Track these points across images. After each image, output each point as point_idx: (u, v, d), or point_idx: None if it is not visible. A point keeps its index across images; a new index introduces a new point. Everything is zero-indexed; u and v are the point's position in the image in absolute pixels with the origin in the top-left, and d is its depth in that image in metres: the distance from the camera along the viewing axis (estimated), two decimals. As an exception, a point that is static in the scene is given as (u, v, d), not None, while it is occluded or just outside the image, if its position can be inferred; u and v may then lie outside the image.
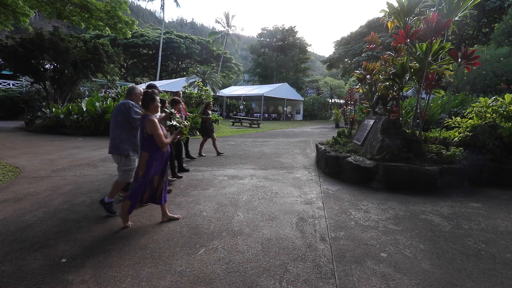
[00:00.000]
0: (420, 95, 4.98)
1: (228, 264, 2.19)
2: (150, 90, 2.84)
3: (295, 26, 37.86)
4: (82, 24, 12.13)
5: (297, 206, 3.51)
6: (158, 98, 2.85)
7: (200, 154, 6.82)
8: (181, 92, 8.14)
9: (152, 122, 2.68)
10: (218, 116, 20.57)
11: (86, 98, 12.33)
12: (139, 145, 3.13)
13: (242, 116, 24.13)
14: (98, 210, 3.22)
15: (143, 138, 2.78)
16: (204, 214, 3.19)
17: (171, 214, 3.05)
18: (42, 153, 6.55)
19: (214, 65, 39.87)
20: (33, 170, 5.00)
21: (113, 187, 3.21)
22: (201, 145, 7.00)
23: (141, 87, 3.36)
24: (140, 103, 3.09)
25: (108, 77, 16.41)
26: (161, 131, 2.77)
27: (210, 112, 6.88)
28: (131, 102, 3.20)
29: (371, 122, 5.49)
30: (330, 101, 31.46)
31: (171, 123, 2.91)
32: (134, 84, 3.36)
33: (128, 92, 3.30)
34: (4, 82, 19.84)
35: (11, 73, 16.53)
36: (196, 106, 12.92)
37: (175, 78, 34.46)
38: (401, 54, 5.18)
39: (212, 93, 15.75)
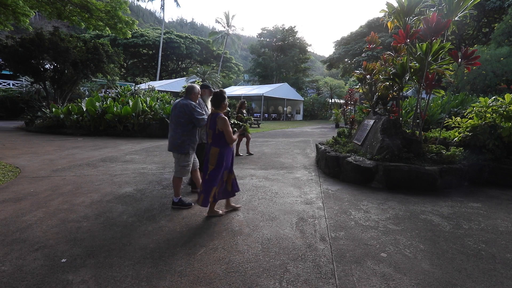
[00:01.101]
0: (420, 95, 4.98)
1: (228, 264, 2.19)
2: (219, 90, 3.11)
3: (295, 26, 37.89)
4: (82, 24, 12.15)
5: (297, 206, 3.51)
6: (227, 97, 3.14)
7: (237, 154, 6.86)
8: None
9: (224, 120, 2.92)
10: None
11: (86, 98, 12.32)
12: (196, 143, 3.43)
13: (242, 116, 24.06)
14: (98, 210, 3.22)
15: (214, 134, 2.98)
16: (204, 214, 3.19)
17: (232, 204, 3.34)
18: (42, 153, 6.55)
19: (214, 65, 39.92)
20: (33, 170, 5.00)
21: (174, 185, 3.42)
22: (237, 145, 7.04)
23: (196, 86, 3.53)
24: (197, 101, 3.40)
25: (108, 77, 16.43)
26: (231, 128, 3.01)
27: (244, 111, 6.87)
28: (192, 102, 3.31)
29: (371, 122, 5.49)
30: (330, 101, 31.47)
31: (237, 122, 3.20)
32: (192, 84, 3.55)
33: (188, 91, 3.39)
34: (4, 82, 19.84)
35: (11, 73, 16.53)
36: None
37: (175, 78, 34.50)
38: (401, 54, 5.18)
39: (212, 93, 15.71)
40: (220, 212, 3.20)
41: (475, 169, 4.52)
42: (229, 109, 3.32)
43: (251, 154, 7.06)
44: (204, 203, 2.96)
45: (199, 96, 3.45)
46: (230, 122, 3.15)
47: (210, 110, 3.52)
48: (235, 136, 3.07)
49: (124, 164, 5.64)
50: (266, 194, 3.93)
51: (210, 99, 3.34)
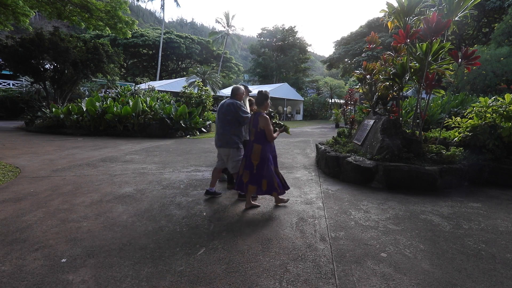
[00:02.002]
0: (420, 95, 4.98)
1: (228, 264, 2.19)
2: (263, 90, 3.37)
3: (295, 26, 37.89)
4: (82, 24, 12.15)
5: (297, 206, 3.51)
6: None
7: None
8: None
9: (266, 119, 3.15)
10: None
11: (86, 98, 12.31)
12: (243, 139, 3.67)
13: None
14: (98, 210, 3.22)
15: (256, 132, 3.22)
16: (204, 214, 3.19)
17: (281, 198, 3.54)
18: (42, 153, 6.55)
19: (214, 65, 39.92)
20: (33, 170, 5.00)
21: (234, 177, 3.60)
22: None
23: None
24: (242, 101, 3.67)
25: (108, 77, 16.42)
26: (271, 127, 3.25)
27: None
28: (238, 102, 3.56)
29: (371, 122, 5.49)
30: (330, 101, 31.45)
31: (278, 121, 3.39)
32: (237, 85, 3.83)
33: (233, 92, 3.65)
34: (4, 82, 19.84)
35: (11, 73, 16.53)
36: (196, 106, 12.92)
37: (175, 78, 34.50)
38: (401, 54, 5.18)
39: (212, 93, 15.73)
40: (285, 198, 3.55)
41: (475, 169, 4.52)
42: (270, 109, 3.62)
43: None
44: (258, 192, 3.29)
45: (243, 96, 3.72)
46: (276, 121, 3.42)
47: (247, 108, 3.80)
48: (275, 135, 3.33)
49: (124, 164, 5.64)
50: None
51: (248, 98, 3.69)
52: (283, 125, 3.46)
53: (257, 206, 3.46)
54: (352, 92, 10.08)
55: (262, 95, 3.29)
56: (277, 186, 3.27)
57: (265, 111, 3.32)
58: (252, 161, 3.22)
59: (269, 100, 3.32)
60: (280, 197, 3.51)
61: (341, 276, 2.05)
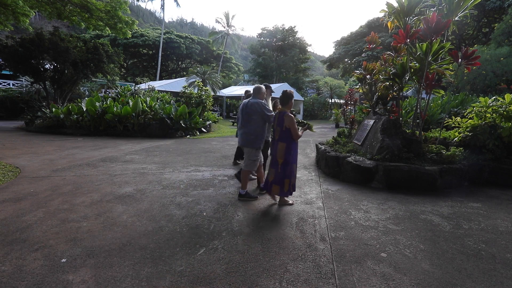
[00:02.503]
0: (420, 95, 4.98)
1: (228, 264, 2.19)
2: (288, 90, 3.44)
3: (295, 26, 37.86)
4: (82, 24, 12.14)
5: (297, 206, 3.51)
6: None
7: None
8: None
9: (291, 118, 3.24)
10: (218, 116, 20.60)
11: (86, 98, 12.31)
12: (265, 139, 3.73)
13: (242, 116, 24.06)
14: (98, 210, 3.22)
15: (281, 131, 3.30)
16: (204, 214, 3.19)
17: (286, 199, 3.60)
18: (42, 153, 6.55)
19: (214, 65, 39.89)
20: (33, 170, 5.00)
21: (242, 178, 3.73)
22: None
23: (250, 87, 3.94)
24: (265, 100, 3.73)
25: (108, 77, 16.40)
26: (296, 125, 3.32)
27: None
28: (261, 101, 3.61)
29: (371, 122, 5.49)
30: (330, 101, 31.45)
31: (301, 120, 3.51)
32: (259, 84, 3.90)
33: (256, 92, 3.71)
34: (4, 82, 19.82)
35: (11, 73, 16.52)
36: (196, 106, 12.92)
37: (175, 78, 34.47)
38: (401, 54, 5.18)
39: (212, 93, 15.73)
40: (290, 202, 3.56)
41: (475, 169, 4.52)
42: (293, 109, 3.75)
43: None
44: (281, 193, 3.37)
45: (265, 95, 3.82)
46: (300, 120, 3.54)
47: (270, 107, 3.89)
48: (300, 133, 3.42)
49: (124, 164, 5.64)
50: (266, 194, 3.93)
51: (270, 98, 3.79)
52: (306, 123, 3.55)
53: (291, 204, 3.53)
54: (352, 92, 10.08)
55: (287, 95, 3.38)
56: (292, 186, 3.39)
57: (289, 110, 3.40)
58: (277, 159, 3.33)
59: (293, 100, 3.42)
60: (286, 198, 3.56)
61: (341, 276, 2.05)
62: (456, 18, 4.60)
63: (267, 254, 2.34)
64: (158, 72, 33.13)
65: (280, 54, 38.02)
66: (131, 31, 15.13)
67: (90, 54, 13.28)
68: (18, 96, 16.95)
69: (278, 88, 25.30)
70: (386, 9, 4.97)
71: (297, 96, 28.08)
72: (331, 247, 2.48)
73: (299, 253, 2.37)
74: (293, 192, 3.88)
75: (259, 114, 3.53)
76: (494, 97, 5.10)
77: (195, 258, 2.26)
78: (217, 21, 37.55)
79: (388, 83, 5.45)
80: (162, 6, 34.23)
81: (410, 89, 9.96)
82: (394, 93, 5.60)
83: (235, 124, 19.10)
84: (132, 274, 2.04)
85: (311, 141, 9.87)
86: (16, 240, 2.51)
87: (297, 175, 5.00)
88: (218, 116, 20.83)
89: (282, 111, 3.35)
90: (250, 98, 3.73)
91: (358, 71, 6.19)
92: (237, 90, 29.10)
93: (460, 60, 4.27)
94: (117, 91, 14.33)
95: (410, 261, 2.27)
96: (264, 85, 4.01)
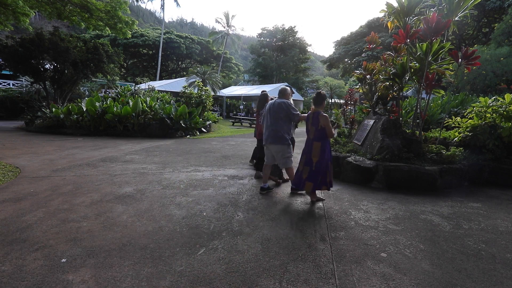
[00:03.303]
0: (420, 95, 4.98)
1: (228, 264, 2.19)
2: (321, 91, 3.59)
3: (295, 26, 37.87)
4: (82, 24, 12.15)
5: (297, 206, 3.51)
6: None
7: None
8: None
9: (326, 118, 3.39)
10: (218, 116, 20.60)
11: (86, 98, 12.30)
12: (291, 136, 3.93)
13: (242, 116, 24.11)
14: (98, 210, 3.22)
15: (316, 130, 3.46)
16: (204, 214, 3.19)
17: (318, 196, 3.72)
18: (42, 153, 6.55)
19: (214, 65, 39.88)
20: (33, 170, 4.99)
21: (289, 175, 3.92)
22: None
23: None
24: (291, 100, 3.98)
25: (108, 77, 16.41)
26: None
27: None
28: (287, 101, 3.84)
29: (371, 122, 5.49)
30: (330, 101, 31.47)
31: (332, 119, 3.57)
32: (285, 86, 4.15)
33: (282, 93, 3.95)
34: (4, 82, 19.82)
35: (11, 73, 16.52)
36: (196, 106, 12.92)
37: (175, 78, 34.47)
38: (401, 54, 5.18)
39: (212, 93, 15.73)
40: (322, 197, 3.72)
41: (475, 169, 4.52)
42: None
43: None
44: (313, 189, 3.51)
45: (290, 96, 4.02)
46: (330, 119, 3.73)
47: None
48: (334, 132, 3.60)
49: (124, 164, 5.64)
50: (266, 194, 3.93)
51: (292, 98, 4.04)
52: (335, 122, 3.75)
53: (322, 200, 3.67)
54: (352, 92, 10.06)
55: (321, 96, 3.52)
56: (329, 182, 3.50)
57: (323, 110, 3.56)
58: (312, 158, 3.45)
59: (326, 101, 3.62)
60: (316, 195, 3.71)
61: (341, 276, 2.05)
62: (456, 18, 4.60)
63: (267, 254, 2.34)
64: (158, 72, 33.13)
65: (280, 54, 38.02)
66: (131, 31, 15.14)
67: (90, 54, 13.28)
68: (18, 96, 16.95)
69: (278, 88, 25.32)
70: (386, 9, 4.97)
71: (297, 96, 28.14)
72: (331, 247, 2.48)
73: (299, 253, 2.37)
74: (293, 192, 3.96)
75: (285, 113, 3.74)
76: (494, 97, 5.11)
77: (195, 258, 2.26)
78: (217, 21, 37.57)
79: (388, 83, 5.45)
80: (162, 6, 34.23)
81: (410, 89, 9.96)
82: (394, 93, 5.60)
83: (236, 124, 19.11)
84: (132, 274, 2.04)
85: (311, 141, 9.86)
86: (16, 240, 2.51)
87: (297, 175, 5.01)
88: (218, 116, 20.84)
89: (316, 111, 3.50)
90: (277, 98, 3.97)
91: (358, 71, 6.19)
92: (237, 90, 29.11)
93: (460, 60, 4.27)
94: (117, 91, 14.33)
95: (410, 261, 2.27)
96: (286, 85, 4.15)
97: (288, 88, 4.02)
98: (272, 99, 4.65)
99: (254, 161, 5.91)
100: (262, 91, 5.14)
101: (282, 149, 3.78)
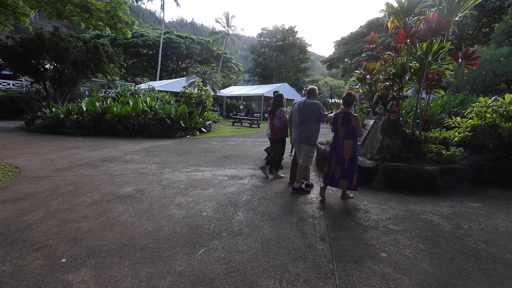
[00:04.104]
0: (420, 95, 4.98)
1: (228, 264, 2.19)
2: (351, 92, 3.69)
3: (295, 26, 37.88)
4: (82, 24, 12.15)
5: (297, 206, 3.51)
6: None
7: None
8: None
9: (357, 117, 3.51)
10: (218, 116, 20.59)
11: (86, 98, 12.31)
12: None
13: (242, 116, 24.13)
14: (98, 210, 3.22)
15: (347, 129, 3.55)
16: (204, 214, 3.19)
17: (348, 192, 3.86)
18: (42, 153, 6.55)
19: (214, 65, 39.87)
20: (33, 170, 5.00)
21: (299, 173, 4.00)
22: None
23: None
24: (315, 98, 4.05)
25: (108, 77, 16.40)
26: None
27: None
28: (317, 101, 3.91)
29: (371, 122, 5.49)
30: (330, 101, 31.46)
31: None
32: (312, 86, 4.20)
33: (310, 93, 4.02)
34: (4, 82, 19.81)
35: (11, 73, 16.51)
36: (196, 106, 12.92)
37: (175, 78, 34.46)
38: (401, 54, 5.17)
39: (212, 93, 15.73)
40: (351, 195, 3.82)
41: (475, 169, 4.52)
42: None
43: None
44: (349, 187, 3.58)
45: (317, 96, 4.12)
46: None
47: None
48: (362, 130, 3.74)
49: (124, 164, 5.64)
50: (266, 194, 3.93)
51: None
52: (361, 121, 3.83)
53: (351, 197, 3.78)
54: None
55: (351, 97, 3.61)
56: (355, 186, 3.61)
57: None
58: (344, 156, 3.55)
59: (356, 101, 3.70)
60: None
61: (341, 276, 2.05)
62: (456, 18, 4.60)
63: (267, 254, 2.34)
64: (158, 72, 33.12)
65: (280, 54, 38.02)
66: (131, 31, 15.14)
67: (90, 54, 13.28)
68: (18, 96, 16.95)
69: (278, 88, 25.27)
70: (386, 9, 4.97)
71: (297, 96, 28.10)
72: (331, 247, 2.48)
73: (299, 253, 2.37)
74: (294, 192, 3.99)
75: (315, 114, 3.83)
76: (494, 97, 5.11)
77: (195, 258, 2.26)
78: (217, 21, 37.55)
79: (388, 83, 5.45)
80: (162, 6, 34.21)
81: (410, 89, 9.96)
82: (394, 93, 5.60)
83: (236, 124, 19.10)
84: (132, 274, 2.04)
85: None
86: (16, 240, 2.51)
87: (297, 175, 5.01)
88: (218, 116, 20.84)
89: (346, 111, 3.60)
90: (305, 98, 3.99)
91: (358, 71, 6.19)
92: (237, 90, 29.09)
93: (460, 60, 4.27)
94: (117, 91, 14.32)
95: (410, 261, 2.27)
96: (313, 87, 4.25)
97: (316, 88, 4.11)
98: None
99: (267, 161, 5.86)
100: (275, 91, 5.08)
101: (308, 148, 3.91)
